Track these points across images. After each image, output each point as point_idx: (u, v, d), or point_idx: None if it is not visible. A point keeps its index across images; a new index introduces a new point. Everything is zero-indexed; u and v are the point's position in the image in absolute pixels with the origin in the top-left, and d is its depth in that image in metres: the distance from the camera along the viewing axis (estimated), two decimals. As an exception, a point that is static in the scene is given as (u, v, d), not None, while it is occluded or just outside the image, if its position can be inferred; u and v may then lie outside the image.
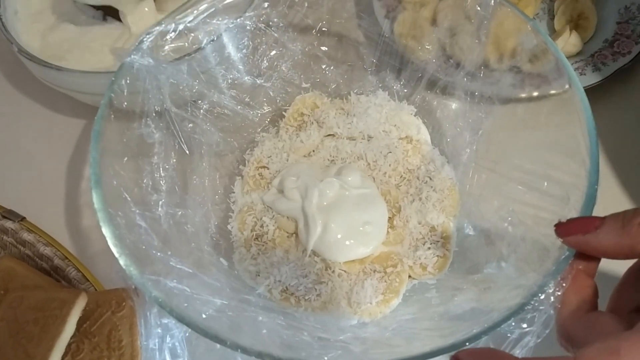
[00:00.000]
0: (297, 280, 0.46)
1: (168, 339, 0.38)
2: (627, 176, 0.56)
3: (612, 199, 0.54)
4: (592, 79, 0.58)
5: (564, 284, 0.33)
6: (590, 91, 0.59)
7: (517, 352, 0.32)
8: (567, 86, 0.42)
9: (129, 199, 0.42)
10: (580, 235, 0.32)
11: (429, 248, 0.48)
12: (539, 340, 0.33)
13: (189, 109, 0.50)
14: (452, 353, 0.30)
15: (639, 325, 0.28)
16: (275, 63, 0.55)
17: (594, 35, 0.62)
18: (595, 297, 0.33)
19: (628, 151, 0.57)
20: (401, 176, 0.52)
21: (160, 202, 0.45)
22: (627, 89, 0.61)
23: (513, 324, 0.33)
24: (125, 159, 0.44)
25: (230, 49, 0.52)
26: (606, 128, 0.58)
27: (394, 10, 0.57)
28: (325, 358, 0.35)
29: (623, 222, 0.31)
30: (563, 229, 0.33)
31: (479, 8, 0.49)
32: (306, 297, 0.46)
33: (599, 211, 0.35)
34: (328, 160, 0.54)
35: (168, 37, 0.46)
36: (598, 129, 0.39)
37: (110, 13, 0.60)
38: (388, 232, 0.49)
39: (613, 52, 0.60)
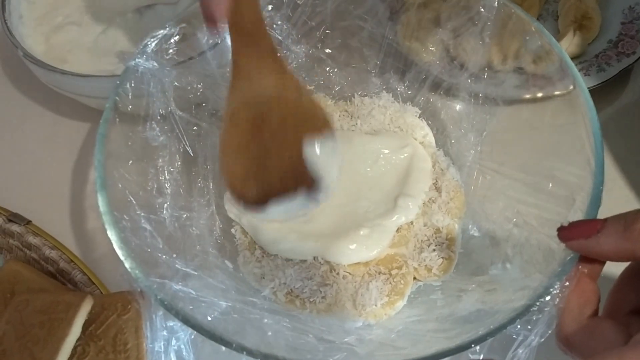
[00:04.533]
0: (302, 282, 0.46)
1: (174, 341, 0.38)
2: (633, 176, 0.56)
3: (617, 200, 0.53)
4: (597, 79, 0.58)
5: (567, 283, 0.33)
6: (594, 92, 0.59)
7: (520, 352, 0.32)
8: (571, 87, 0.42)
9: (134, 202, 0.42)
10: (582, 239, 0.32)
11: (434, 250, 0.48)
12: (542, 340, 0.32)
13: (194, 111, 0.50)
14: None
15: (634, 340, 0.28)
16: (279, 65, 0.55)
17: (598, 36, 0.62)
18: (596, 302, 0.33)
19: (634, 151, 0.57)
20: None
21: (165, 205, 0.45)
22: (631, 89, 0.61)
23: (519, 325, 0.33)
24: (130, 162, 0.44)
25: (234, 51, 0.52)
26: (611, 128, 0.58)
27: (397, 11, 0.57)
28: (331, 360, 0.35)
29: (624, 225, 0.30)
30: (565, 233, 0.33)
31: (482, 9, 0.49)
32: (311, 300, 0.46)
33: (604, 212, 0.35)
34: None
35: (172, 40, 0.47)
36: (603, 130, 0.39)
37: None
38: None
39: (617, 53, 0.60)
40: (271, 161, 0.39)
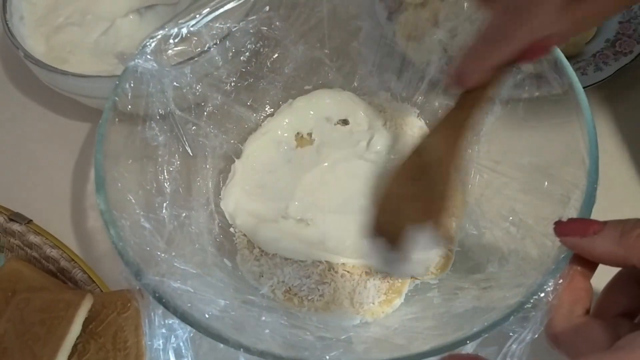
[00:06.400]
0: (300, 280, 0.47)
1: (172, 339, 0.38)
2: (628, 176, 0.56)
3: (612, 199, 0.54)
4: (594, 78, 0.58)
5: (561, 281, 0.33)
6: (591, 91, 0.59)
7: (514, 347, 0.32)
8: (567, 86, 0.42)
9: (133, 201, 0.42)
10: (577, 237, 0.32)
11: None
12: (536, 336, 0.33)
13: (193, 111, 0.51)
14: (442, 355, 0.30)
15: (616, 345, 0.28)
16: (278, 65, 0.56)
17: (595, 35, 0.62)
18: (588, 301, 0.33)
19: (629, 151, 0.57)
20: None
21: (164, 204, 0.45)
22: (628, 88, 0.61)
23: (514, 325, 0.34)
24: (130, 161, 0.44)
25: (233, 52, 0.52)
26: (607, 128, 0.59)
27: (395, 11, 0.57)
28: (327, 357, 0.36)
29: (621, 231, 0.30)
30: (561, 228, 0.33)
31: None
32: (309, 298, 0.46)
33: (599, 211, 0.36)
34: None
35: (171, 41, 0.47)
36: (599, 129, 0.39)
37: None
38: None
39: (615, 52, 0.60)
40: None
